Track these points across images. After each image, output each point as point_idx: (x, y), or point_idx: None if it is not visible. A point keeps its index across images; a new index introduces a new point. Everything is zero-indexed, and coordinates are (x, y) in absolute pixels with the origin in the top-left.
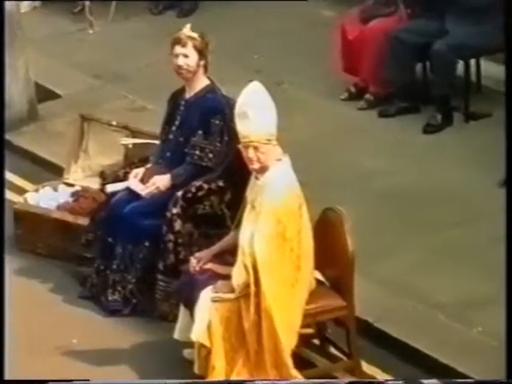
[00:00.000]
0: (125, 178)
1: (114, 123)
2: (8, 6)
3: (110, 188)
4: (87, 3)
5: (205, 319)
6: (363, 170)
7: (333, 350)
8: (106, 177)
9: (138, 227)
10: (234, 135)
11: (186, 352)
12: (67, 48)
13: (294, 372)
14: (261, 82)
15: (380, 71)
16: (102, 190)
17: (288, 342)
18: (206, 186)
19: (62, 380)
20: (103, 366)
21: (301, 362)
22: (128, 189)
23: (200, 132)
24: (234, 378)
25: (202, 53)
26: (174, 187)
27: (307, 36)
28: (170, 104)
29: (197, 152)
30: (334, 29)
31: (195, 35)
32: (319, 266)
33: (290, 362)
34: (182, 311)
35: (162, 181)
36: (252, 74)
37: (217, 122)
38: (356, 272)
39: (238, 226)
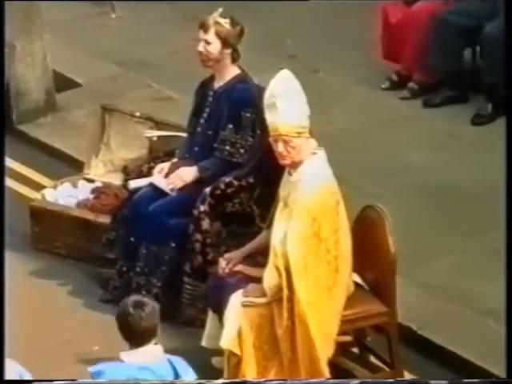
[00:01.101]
0: (149, 173)
1: (138, 114)
2: None
3: (133, 184)
4: None
5: (235, 325)
6: (406, 165)
7: (373, 360)
8: (128, 172)
9: (164, 227)
10: (266, 128)
11: (215, 360)
12: (88, 33)
13: None
14: (295, 70)
15: (425, 57)
16: (125, 186)
17: (324, 350)
18: (236, 183)
19: (69, 380)
20: None
21: (338, 372)
22: (152, 185)
23: (230, 126)
24: None
25: (226, 41)
26: (201, 183)
27: (346, 19)
28: (199, 94)
29: (227, 147)
30: (375, 11)
31: (223, 21)
32: (358, 268)
33: (326, 371)
34: (211, 316)
35: (187, 173)
36: (286, 60)
37: (248, 114)
38: (398, 275)
39: (270, 225)
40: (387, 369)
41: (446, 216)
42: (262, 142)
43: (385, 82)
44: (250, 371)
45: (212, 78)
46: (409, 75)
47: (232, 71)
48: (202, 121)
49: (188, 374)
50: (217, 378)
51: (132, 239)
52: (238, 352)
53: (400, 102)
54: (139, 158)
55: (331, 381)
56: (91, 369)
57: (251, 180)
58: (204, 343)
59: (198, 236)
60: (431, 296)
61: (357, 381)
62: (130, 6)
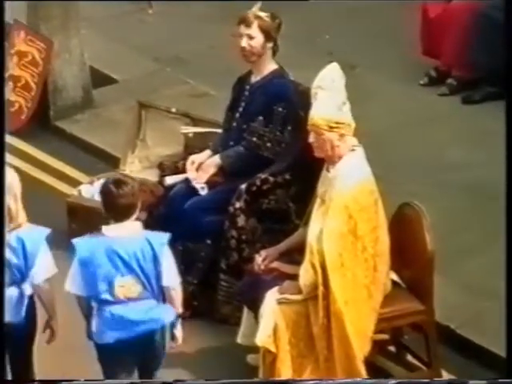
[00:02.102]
0: (184, 169)
1: (174, 110)
2: None
3: (169, 180)
4: None
5: (270, 323)
6: (444, 162)
7: (410, 358)
8: (164, 168)
9: (199, 224)
10: (301, 125)
11: (250, 357)
12: (125, 29)
13: None
14: None
15: (465, 53)
16: (161, 182)
17: (360, 348)
18: (271, 179)
19: (71, 380)
20: (162, 370)
21: (375, 371)
22: (187, 181)
23: (260, 118)
24: None
25: (269, 34)
26: (235, 180)
27: (384, 15)
28: (236, 89)
29: (254, 139)
30: (414, 7)
31: (263, 15)
32: (395, 266)
33: (362, 369)
34: (246, 314)
35: (208, 165)
36: (323, 56)
37: (280, 109)
38: (436, 273)
39: (307, 222)
40: (424, 368)
41: (485, 213)
42: (299, 138)
43: (423, 78)
44: (285, 369)
45: (249, 73)
46: (448, 71)
47: (270, 66)
48: (237, 115)
49: (163, 251)
50: (252, 376)
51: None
52: (274, 349)
53: (439, 98)
54: (175, 155)
55: (368, 381)
56: (73, 241)
57: (287, 177)
58: (239, 340)
59: (234, 233)
60: (470, 295)
61: (394, 381)
62: (167, 3)
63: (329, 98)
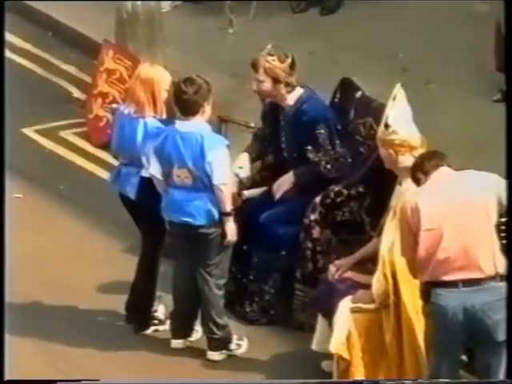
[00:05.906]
0: (261, 181)
1: (252, 125)
2: (148, 4)
3: (248, 193)
4: (228, 2)
5: (344, 330)
6: None
7: None
8: (242, 181)
9: (275, 236)
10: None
11: (325, 364)
12: (207, 47)
13: None
14: (406, 81)
15: None
16: (239, 194)
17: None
18: (345, 192)
19: (70, 380)
20: (238, 373)
21: None
22: (263, 194)
23: (309, 148)
24: None
25: (277, 78)
26: (309, 193)
27: (458, 31)
28: (268, 119)
29: (314, 169)
30: (488, 23)
31: (271, 59)
32: None
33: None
34: (320, 321)
35: (284, 183)
36: (398, 72)
37: (322, 131)
38: None
39: (380, 233)
40: None
41: None
42: (372, 151)
43: (496, 94)
44: (359, 375)
45: (277, 104)
46: None
47: (294, 95)
48: (283, 146)
49: (214, 151)
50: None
51: (244, 247)
52: (347, 356)
53: None
54: (253, 167)
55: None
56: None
57: (361, 189)
58: (314, 347)
59: (309, 244)
60: None
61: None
62: (247, 22)
63: (399, 116)
